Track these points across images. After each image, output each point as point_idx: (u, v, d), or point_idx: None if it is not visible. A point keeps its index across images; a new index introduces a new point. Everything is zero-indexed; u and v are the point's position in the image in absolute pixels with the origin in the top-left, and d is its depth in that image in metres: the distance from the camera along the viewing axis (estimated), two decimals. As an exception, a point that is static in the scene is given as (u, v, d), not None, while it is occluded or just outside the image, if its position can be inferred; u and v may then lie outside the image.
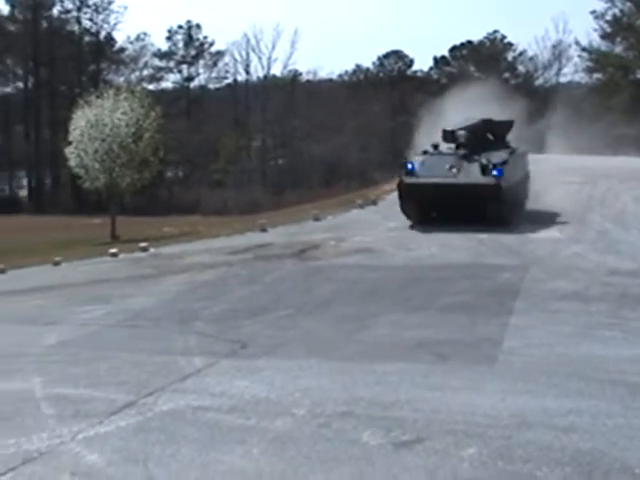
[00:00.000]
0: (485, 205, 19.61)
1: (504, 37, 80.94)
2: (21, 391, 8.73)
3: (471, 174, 20.21)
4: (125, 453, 6.61)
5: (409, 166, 20.66)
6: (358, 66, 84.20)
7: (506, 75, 75.90)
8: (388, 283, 15.10)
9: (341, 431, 6.72)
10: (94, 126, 32.90)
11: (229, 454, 6.42)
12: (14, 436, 7.13)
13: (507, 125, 23.51)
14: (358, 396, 7.60)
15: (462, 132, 21.75)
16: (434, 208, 21.11)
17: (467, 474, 5.73)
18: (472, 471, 5.77)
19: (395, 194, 22.23)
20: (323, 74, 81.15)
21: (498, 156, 20.73)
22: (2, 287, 18.52)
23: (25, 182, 69.98)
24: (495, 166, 19.90)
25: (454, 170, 20.34)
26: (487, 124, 22.90)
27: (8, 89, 70.38)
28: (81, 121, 33.15)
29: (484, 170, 19.98)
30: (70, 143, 33.71)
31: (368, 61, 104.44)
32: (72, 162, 33.60)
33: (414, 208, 21.01)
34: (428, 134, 24.21)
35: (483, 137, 22.41)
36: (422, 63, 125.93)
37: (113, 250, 22.31)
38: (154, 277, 17.79)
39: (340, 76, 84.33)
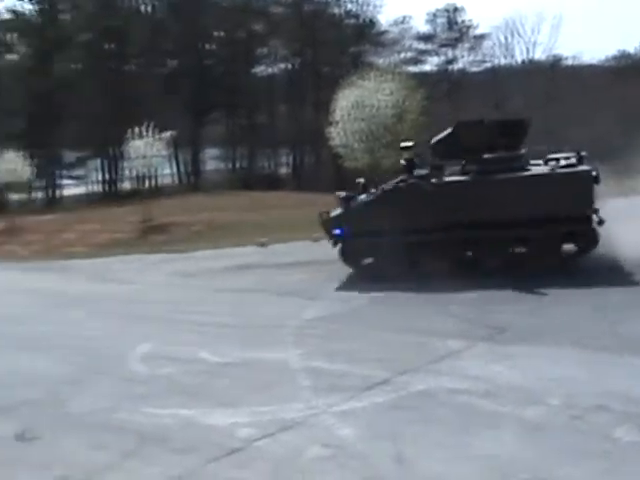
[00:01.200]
0: None
1: None
2: (280, 361, 9.00)
3: None
4: (376, 429, 6.68)
5: None
6: (622, 51, 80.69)
7: None
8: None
9: (594, 424, 6.50)
10: (357, 107, 33.29)
11: (480, 438, 6.35)
12: (271, 404, 7.37)
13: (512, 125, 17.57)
14: (613, 389, 7.30)
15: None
16: None
17: None
18: None
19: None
20: (585, 59, 78.55)
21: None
22: (266, 260, 19.16)
23: (287, 160, 72.25)
24: None
25: None
26: (466, 128, 17.32)
27: (273, 70, 72.83)
28: (344, 102, 33.60)
29: None
30: (333, 123, 34.32)
31: (631, 46, 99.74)
32: (335, 141, 34.19)
33: None
34: None
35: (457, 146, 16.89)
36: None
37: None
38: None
39: (603, 61, 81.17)
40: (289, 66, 72.56)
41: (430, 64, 78.07)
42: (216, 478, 6.01)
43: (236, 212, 29.06)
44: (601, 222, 14.84)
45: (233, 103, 65.60)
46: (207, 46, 69.92)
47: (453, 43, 77.20)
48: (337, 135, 33.71)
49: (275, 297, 14.08)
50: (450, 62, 78.21)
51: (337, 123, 33.77)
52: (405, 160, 17.31)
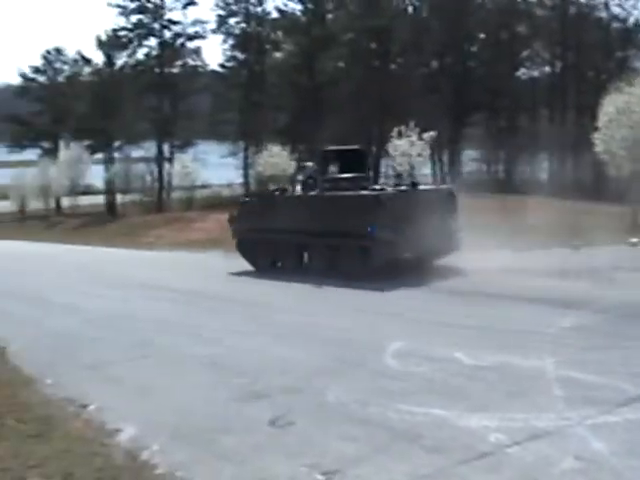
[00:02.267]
0: None
1: None
2: (535, 369, 8.88)
3: None
4: (630, 446, 6.46)
5: None
6: None
7: None
8: None
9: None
10: (623, 113, 32.25)
11: None
12: (524, 412, 7.30)
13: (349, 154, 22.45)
14: None
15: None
16: None
17: None
18: None
19: None
20: None
21: None
22: (520, 265, 18.91)
23: (546, 165, 70.87)
24: None
25: None
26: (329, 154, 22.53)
27: (535, 73, 71.59)
28: (610, 107, 32.65)
29: None
30: (597, 129, 33.39)
31: None
32: (598, 148, 33.26)
33: None
34: None
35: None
36: None
37: (634, 239, 21.94)
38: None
39: None
40: (551, 69, 71.01)
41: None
42: (465, 480, 6.01)
43: (491, 215, 28.74)
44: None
45: (494, 105, 65.04)
46: (470, 47, 69.63)
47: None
48: (601, 141, 32.76)
49: (529, 303, 13.87)
50: None
51: (602, 129, 32.82)
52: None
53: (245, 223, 22.34)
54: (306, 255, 20.66)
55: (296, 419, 7.43)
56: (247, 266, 21.46)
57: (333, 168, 21.85)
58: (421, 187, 21.40)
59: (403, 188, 20.45)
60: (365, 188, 20.21)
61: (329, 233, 19.50)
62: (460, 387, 8.27)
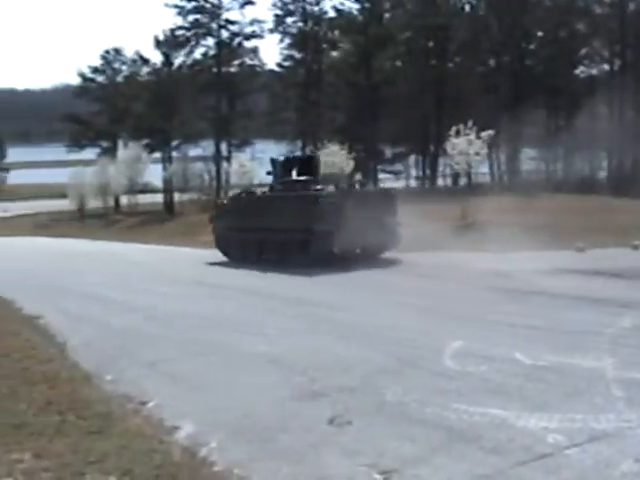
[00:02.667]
0: None
1: None
2: (594, 369, 8.79)
3: None
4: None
5: None
6: None
7: None
8: None
9: None
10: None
11: None
12: (583, 412, 7.23)
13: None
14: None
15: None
16: None
17: None
18: None
19: None
20: None
21: None
22: (583, 265, 18.77)
23: (605, 163, 70.11)
24: None
25: None
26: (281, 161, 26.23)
27: (594, 71, 70.87)
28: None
29: None
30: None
31: None
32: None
33: None
34: None
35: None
36: None
37: None
38: None
39: None
40: (610, 67, 70.22)
41: None
42: (523, 482, 5.96)
43: (551, 215, 28.53)
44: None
45: (552, 104, 64.48)
46: (528, 45, 69.07)
47: None
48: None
49: (587, 303, 13.75)
50: None
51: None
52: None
53: (220, 222, 26.36)
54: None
55: (355, 418, 7.41)
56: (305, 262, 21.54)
57: (292, 172, 24.82)
58: (359, 188, 26.80)
59: (340, 189, 24.21)
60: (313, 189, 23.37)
61: (278, 229, 22.81)
62: (519, 387, 8.21)
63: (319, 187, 23.59)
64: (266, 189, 26.71)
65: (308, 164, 25.64)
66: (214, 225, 26.89)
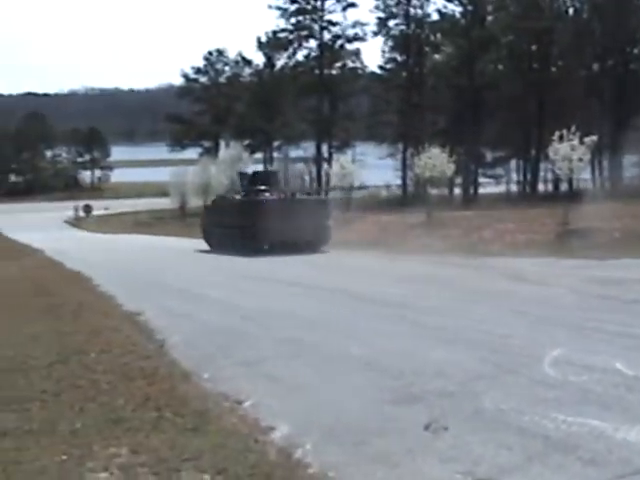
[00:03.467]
0: None
1: None
2: None
3: None
4: None
5: None
6: None
7: None
8: None
9: None
10: None
11: None
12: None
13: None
14: None
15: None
16: None
17: None
18: None
19: None
20: None
21: None
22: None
23: None
24: None
25: None
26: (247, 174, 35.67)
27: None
28: None
29: None
30: None
31: None
32: None
33: None
34: None
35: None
36: None
37: None
38: None
39: None
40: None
41: None
42: (622, 495, 5.81)
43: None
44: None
45: (658, 109, 63.01)
46: (632, 49, 67.66)
47: None
48: None
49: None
50: None
51: None
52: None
53: (205, 219, 35.21)
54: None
55: (451, 424, 7.32)
56: (413, 267, 22.21)
57: (256, 184, 32.02)
58: (299, 196, 32.90)
59: (282, 197, 31.07)
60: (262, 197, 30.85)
61: (238, 225, 29.99)
62: (619, 398, 7.99)
63: (270, 195, 30.93)
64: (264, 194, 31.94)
65: (268, 178, 34.14)
66: (202, 221, 35.82)
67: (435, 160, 42.58)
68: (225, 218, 31.50)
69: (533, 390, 8.37)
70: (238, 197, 32.84)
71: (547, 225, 30.17)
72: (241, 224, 29.77)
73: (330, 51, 74.56)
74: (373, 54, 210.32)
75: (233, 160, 67.53)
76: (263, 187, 31.42)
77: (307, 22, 73.93)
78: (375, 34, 72.83)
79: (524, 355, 10.01)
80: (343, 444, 6.97)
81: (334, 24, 74.27)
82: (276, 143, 78.92)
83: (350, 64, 76.57)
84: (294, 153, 75.77)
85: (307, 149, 74.26)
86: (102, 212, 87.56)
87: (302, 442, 6.98)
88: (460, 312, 13.99)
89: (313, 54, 75.16)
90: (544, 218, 31.46)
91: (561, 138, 33.77)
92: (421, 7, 70.83)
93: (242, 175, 35.10)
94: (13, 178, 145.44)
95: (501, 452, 6.61)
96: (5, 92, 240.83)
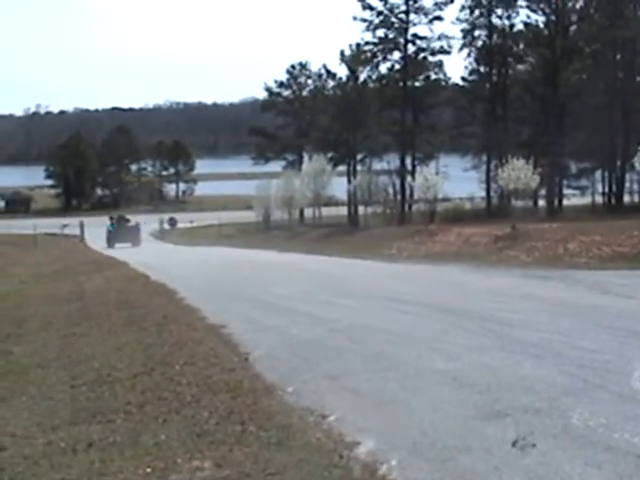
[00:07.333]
0: None
1: None
2: None
3: None
4: None
5: None
6: None
7: None
8: None
9: None
10: None
11: None
12: None
13: None
14: None
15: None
16: None
17: None
18: None
19: None
20: None
21: None
22: None
23: None
24: None
25: None
26: None
27: None
28: None
29: None
30: None
31: None
32: None
33: None
34: None
35: None
36: None
37: None
38: None
39: None
40: None
41: None
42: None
43: None
44: None
45: None
46: None
47: None
48: None
49: None
50: None
51: None
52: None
53: (110, 228, 67.28)
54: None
55: (539, 440, 7.21)
56: (498, 280, 21.75)
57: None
58: (127, 223, 67.75)
59: (121, 224, 67.02)
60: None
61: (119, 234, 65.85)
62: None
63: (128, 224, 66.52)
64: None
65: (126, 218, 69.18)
66: (108, 231, 65.96)
67: (519, 172, 42.13)
68: (119, 230, 67.51)
69: (622, 406, 8.20)
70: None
71: (634, 237, 29.57)
72: (118, 235, 67.06)
73: (414, 63, 74.37)
74: (456, 65, 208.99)
75: (316, 173, 67.79)
76: (126, 219, 67.03)
77: (392, 35, 73.86)
78: (462, 48, 72.44)
79: (613, 370, 9.80)
80: (429, 460, 6.91)
81: (420, 37, 74.11)
82: (359, 156, 78.88)
83: (433, 76, 76.28)
84: (377, 165, 75.79)
85: (391, 161, 74.11)
86: (187, 225, 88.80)
87: (387, 458, 6.94)
88: (547, 326, 13.75)
89: (397, 66, 75.03)
90: (631, 230, 30.83)
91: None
92: (507, 18, 70.24)
93: (119, 217, 72.39)
94: (99, 191, 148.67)
95: (590, 470, 6.50)
96: (92, 107, 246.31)
